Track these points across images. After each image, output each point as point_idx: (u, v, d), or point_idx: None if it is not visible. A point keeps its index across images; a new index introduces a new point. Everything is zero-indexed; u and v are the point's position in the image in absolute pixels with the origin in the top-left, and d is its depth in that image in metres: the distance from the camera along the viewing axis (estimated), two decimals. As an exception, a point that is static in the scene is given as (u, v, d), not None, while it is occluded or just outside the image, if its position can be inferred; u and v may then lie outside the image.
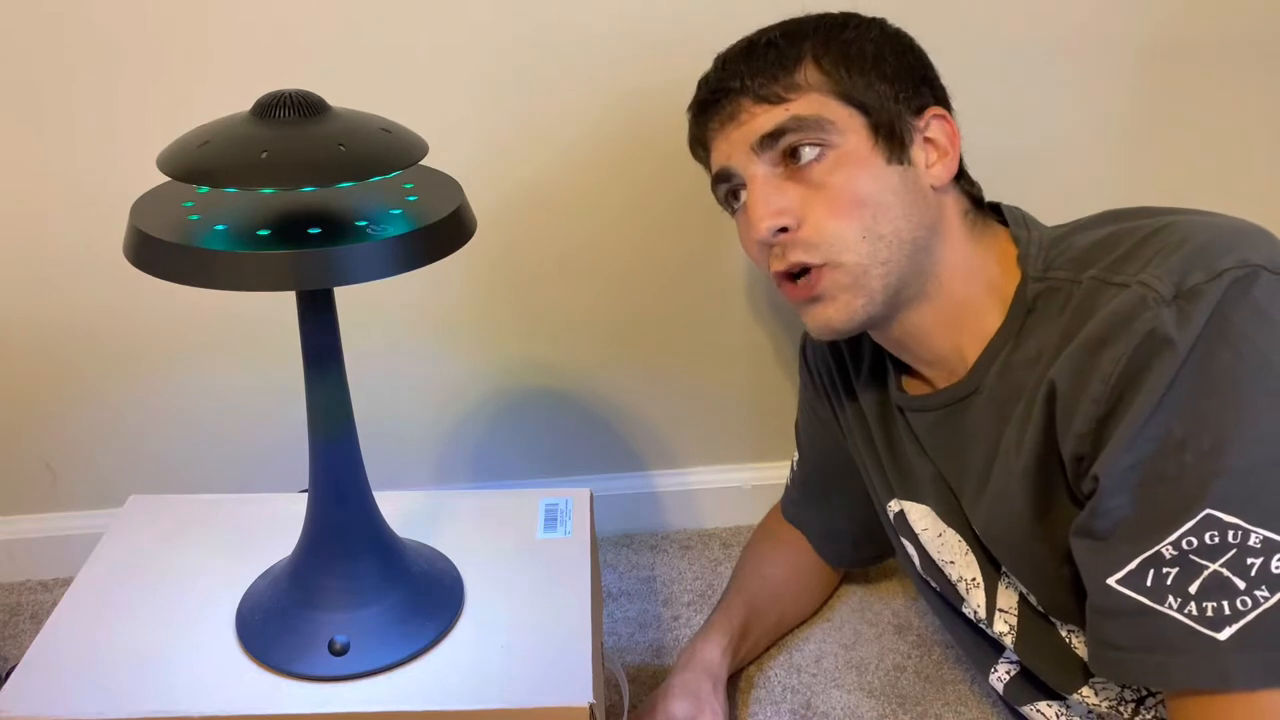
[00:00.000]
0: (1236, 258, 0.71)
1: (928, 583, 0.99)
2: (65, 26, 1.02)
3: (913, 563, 0.99)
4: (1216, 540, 0.68)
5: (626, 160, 1.13)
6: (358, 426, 0.77)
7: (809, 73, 0.83)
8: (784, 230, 0.82)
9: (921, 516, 0.95)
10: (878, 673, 1.09)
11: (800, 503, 1.15)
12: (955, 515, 0.91)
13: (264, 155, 0.62)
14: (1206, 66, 1.16)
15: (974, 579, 0.92)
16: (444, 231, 0.67)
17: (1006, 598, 0.90)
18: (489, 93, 1.09)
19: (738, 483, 1.32)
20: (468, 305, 1.19)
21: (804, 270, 0.83)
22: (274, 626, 0.78)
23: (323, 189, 0.68)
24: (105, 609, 0.81)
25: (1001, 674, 0.95)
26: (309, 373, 0.74)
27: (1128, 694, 0.83)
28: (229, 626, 0.79)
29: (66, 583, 0.85)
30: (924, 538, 0.96)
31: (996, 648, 0.95)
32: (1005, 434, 0.82)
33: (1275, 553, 0.67)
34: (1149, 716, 0.83)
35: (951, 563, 0.93)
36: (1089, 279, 0.77)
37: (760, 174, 0.83)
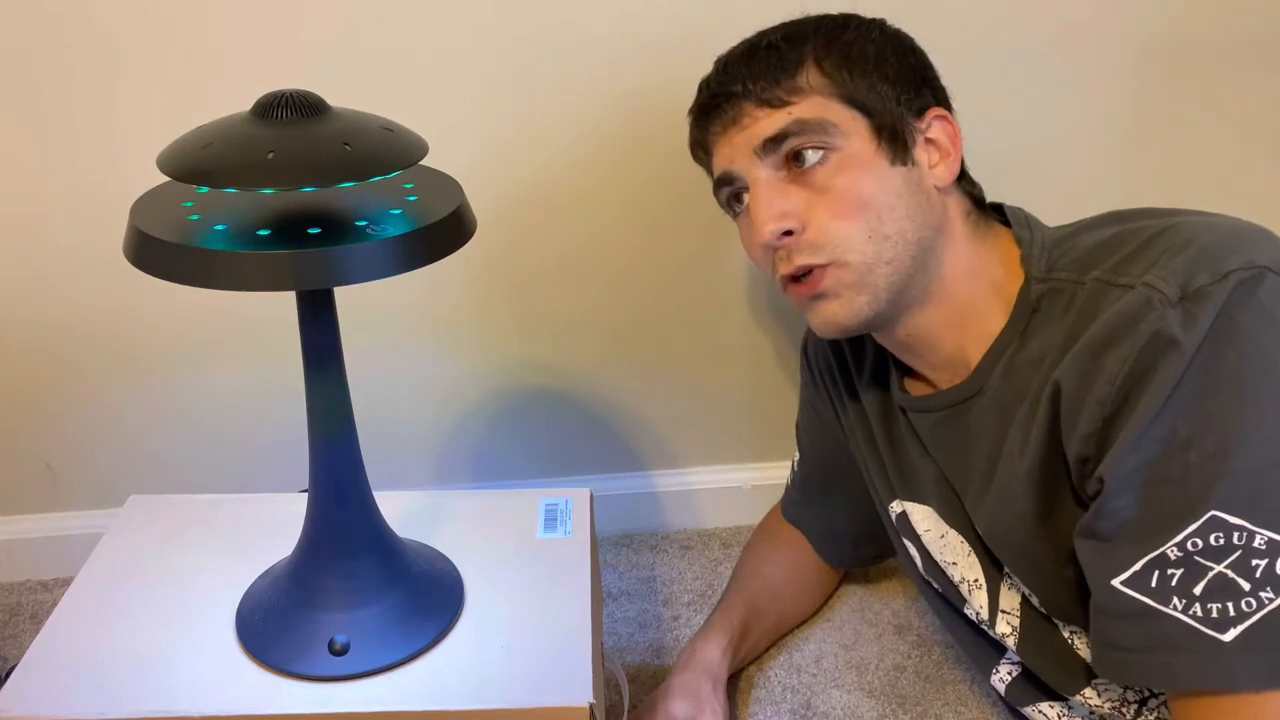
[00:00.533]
0: (1242, 259, 0.71)
1: (929, 584, 0.99)
2: (65, 26, 1.02)
3: (914, 564, 0.99)
4: (1221, 542, 0.68)
5: (626, 160, 1.13)
6: (358, 426, 0.77)
7: (811, 75, 0.83)
8: (788, 234, 0.82)
9: (924, 517, 0.95)
10: (878, 673, 1.09)
11: (800, 503, 1.15)
12: (958, 516, 0.91)
13: (270, 155, 0.62)
14: (1206, 66, 1.16)
15: (976, 580, 0.92)
16: (444, 231, 0.67)
17: (1009, 599, 0.90)
18: (489, 93, 1.09)
19: (738, 483, 1.32)
20: (468, 305, 1.19)
21: (808, 271, 0.82)
22: (274, 626, 0.78)
23: (323, 189, 0.68)
24: (105, 609, 0.81)
25: (1003, 675, 0.95)
26: (309, 373, 0.74)
27: (1130, 695, 0.83)
28: (229, 626, 0.79)
29: (66, 583, 0.85)
30: (926, 539, 0.96)
31: (998, 649, 0.95)
32: (1009, 435, 0.82)
33: None
34: (1151, 718, 0.83)
35: (954, 564, 0.93)
36: (1093, 280, 0.77)
37: (763, 178, 0.83)
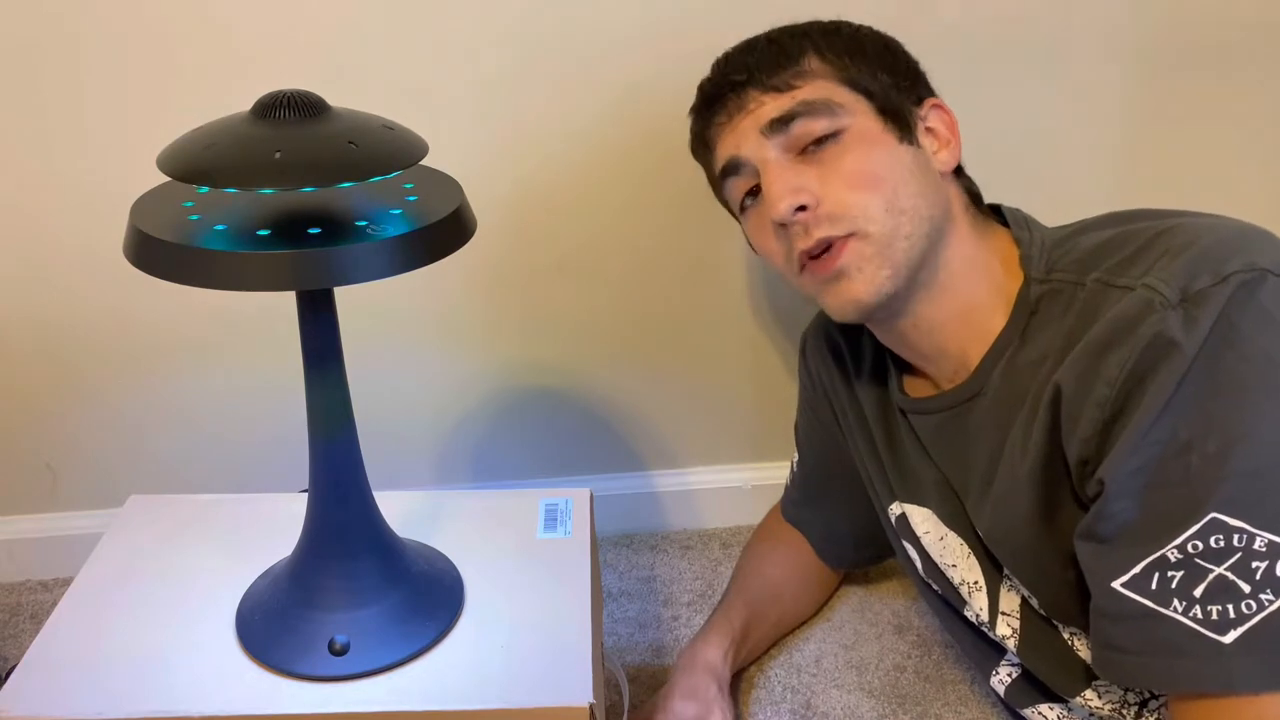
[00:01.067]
0: (1243, 261, 0.71)
1: (929, 585, 0.99)
2: (65, 26, 1.02)
3: (914, 565, 0.99)
4: (1222, 544, 0.68)
5: (626, 160, 1.13)
6: (358, 426, 0.77)
7: (813, 62, 0.84)
8: (803, 209, 0.81)
9: (923, 519, 0.95)
10: (878, 673, 1.09)
11: (800, 503, 1.15)
12: (958, 518, 0.91)
13: (278, 155, 0.62)
14: (1206, 66, 1.16)
15: (976, 582, 0.91)
16: (444, 231, 0.67)
17: (1009, 601, 0.90)
18: (489, 93, 1.09)
19: (738, 483, 1.32)
20: (467, 305, 1.19)
21: (827, 247, 0.82)
22: (274, 626, 0.78)
23: (323, 189, 0.68)
24: (105, 609, 0.81)
25: (1003, 676, 0.95)
26: (309, 373, 0.74)
27: (1131, 697, 0.83)
28: (229, 626, 0.79)
29: (66, 583, 0.85)
30: (926, 541, 0.96)
31: (998, 650, 0.95)
32: (1009, 437, 0.82)
33: None
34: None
35: (953, 566, 0.93)
36: (1093, 281, 0.77)
37: (773, 157, 0.83)
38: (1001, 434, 0.83)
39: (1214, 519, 0.68)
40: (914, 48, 0.89)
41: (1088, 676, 0.85)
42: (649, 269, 1.20)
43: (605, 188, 1.15)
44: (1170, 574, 0.69)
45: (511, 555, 0.87)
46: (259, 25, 1.04)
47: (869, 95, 0.84)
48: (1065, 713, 0.90)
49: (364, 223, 0.65)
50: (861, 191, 0.81)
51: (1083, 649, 0.85)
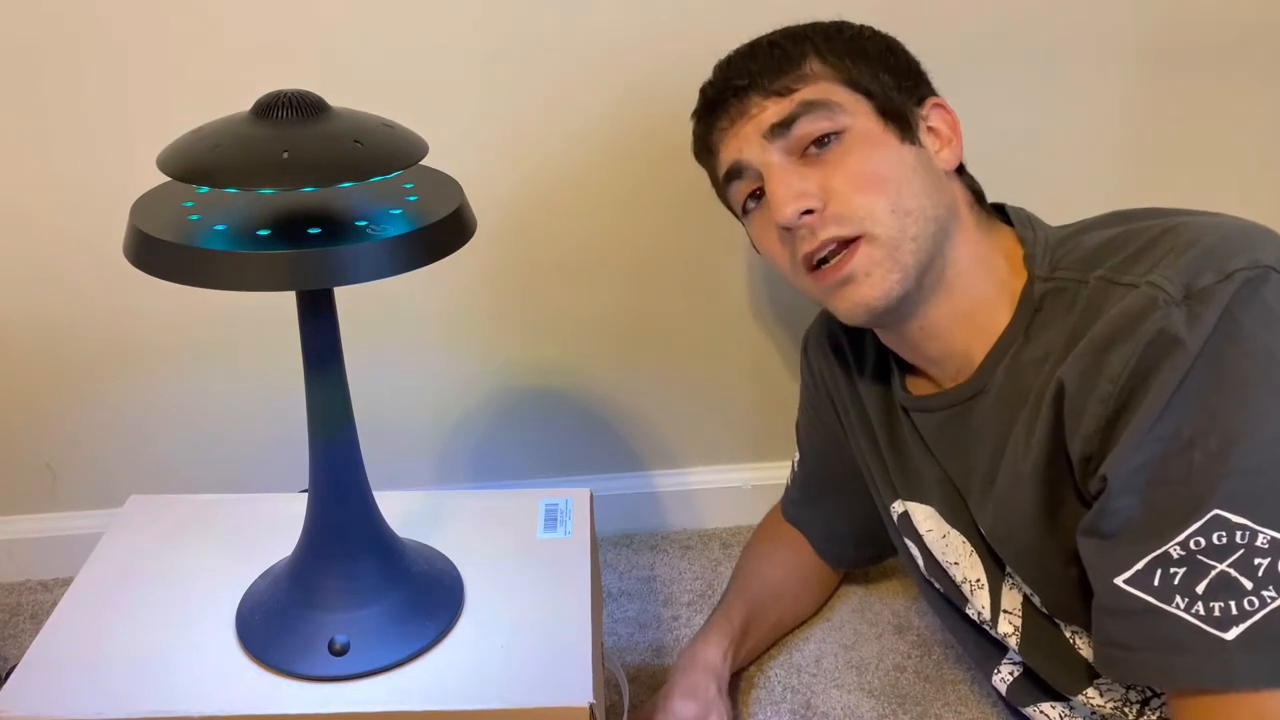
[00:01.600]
0: (1247, 259, 0.71)
1: (931, 584, 0.99)
2: (65, 26, 1.02)
3: (916, 564, 0.99)
4: (1224, 540, 0.68)
5: (627, 160, 1.13)
6: (358, 426, 0.77)
7: (814, 64, 0.84)
8: (809, 213, 0.81)
9: (926, 517, 0.95)
10: (878, 673, 1.09)
11: (801, 503, 1.15)
12: (960, 516, 0.91)
13: (286, 155, 0.62)
14: (1206, 66, 1.16)
15: (978, 580, 0.91)
16: (444, 231, 0.67)
17: (1011, 599, 0.90)
18: (489, 93, 1.09)
19: (738, 483, 1.32)
20: (467, 305, 1.19)
21: (832, 253, 0.82)
22: (274, 626, 0.78)
23: (323, 189, 0.68)
24: (105, 609, 0.81)
25: (1004, 675, 0.95)
26: (309, 373, 0.74)
27: (1132, 695, 0.83)
28: (229, 626, 0.79)
29: (66, 583, 0.85)
30: (928, 539, 0.96)
31: (1000, 649, 0.95)
32: (1013, 434, 0.82)
33: None
34: (1153, 718, 0.83)
35: (955, 564, 0.93)
36: (1096, 279, 0.77)
37: (776, 161, 0.83)
38: (1004, 431, 0.83)
39: (1216, 515, 0.68)
40: (914, 48, 0.89)
41: (1089, 675, 0.85)
42: (649, 269, 1.20)
43: (605, 187, 1.15)
44: (1172, 570, 0.69)
45: (511, 555, 0.87)
46: (259, 25, 1.04)
47: (869, 96, 0.84)
48: (1067, 711, 0.90)
49: (364, 223, 0.65)
50: (866, 193, 0.81)
51: (1084, 647, 0.85)
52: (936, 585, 0.98)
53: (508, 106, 1.10)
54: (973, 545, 0.91)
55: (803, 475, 1.14)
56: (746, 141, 0.85)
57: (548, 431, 1.27)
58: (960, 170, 0.88)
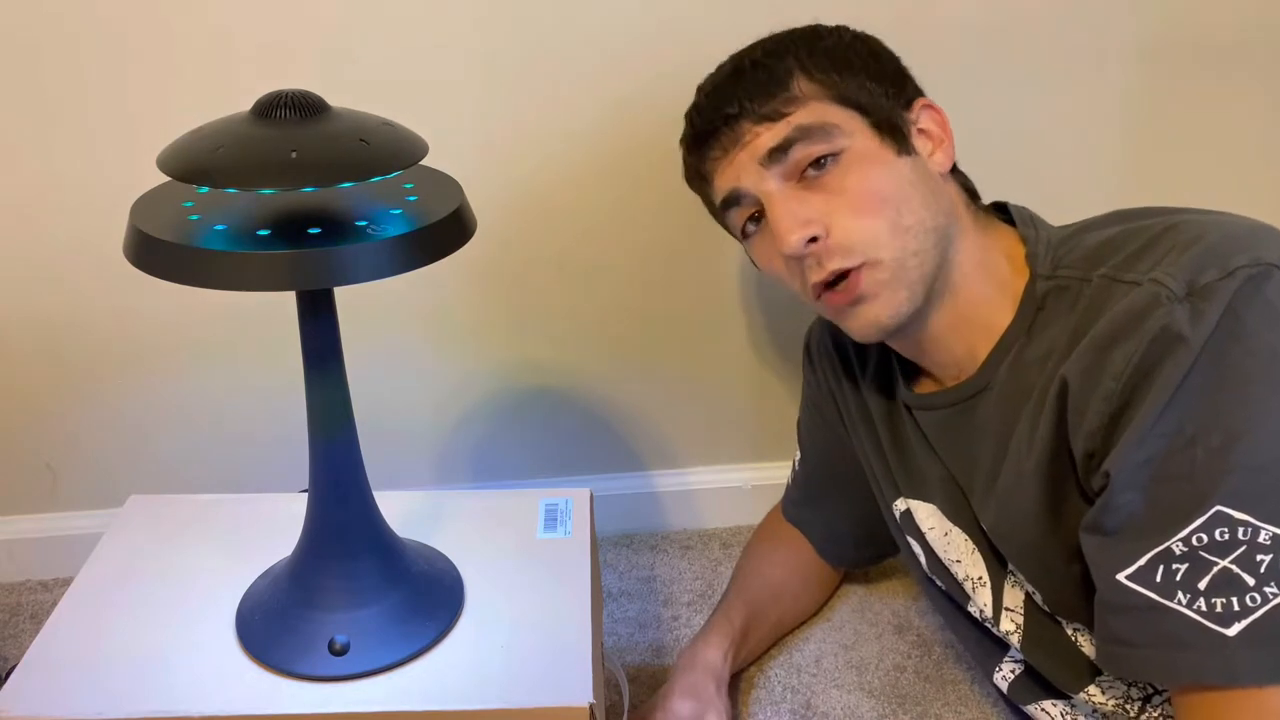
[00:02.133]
0: (1250, 256, 0.72)
1: (933, 581, 0.99)
2: (65, 27, 1.02)
3: (918, 562, 0.99)
4: (1226, 537, 0.68)
5: (626, 160, 1.13)
6: (358, 426, 0.77)
7: (802, 84, 0.83)
8: (813, 240, 0.81)
9: (928, 515, 0.95)
10: (878, 673, 1.09)
11: (801, 503, 1.15)
12: (963, 514, 0.91)
13: (294, 154, 0.62)
14: (1206, 66, 1.16)
15: (980, 578, 0.92)
16: (444, 231, 0.67)
17: (1013, 596, 0.90)
18: (489, 93, 1.09)
19: (738, 483, 1.32)
20: (468, 305, 1.19)
21: (841, 276, 0.82)
22: (274, 626, 0.78)
23: (323, 189, 0.68)
24: (105, 609, 0.81)
25: (1006, 673, 0.95)
26: (309, 373, 0.74)
27: (1134, 692, 0.83)
28: (229, 626, 0.79)
29: (66, 583, 0.85)
30: (930, 537, 0.96)
31: (1001, 647, 0.95)
32: (1016, 431, 0.82)
33: None
34: (1155, 715, 0.83)
35: (958, 561, 0.93)
36: (1099, 277, 0.77)
37: (776, 189, 0.83)
38: (1007, 429, 0.83)
39: (1218, 512, 0.68)
40: (913, 47, 0.89)
41: (1091, 672, 0.85)
42: (649, 269, 1.20)
43: (605, 187, 1.15)
44: (1175, 567, 0.69)
45: (511, 555, 0.87)
46: (259, 25, 1.04)
47: (862, 111, 0.83)
48: (1069, 709, 0.90)
49: (364, 223, 0.65)
50: (867, 217, 0.80)
51: (1086, 645, 0.85)
52: (938, 583, 0.98)
53: (508, 106, 1.10)
54: (975, 543, 0.91)
55: (804, 474, 1.14)
56: (742, 169, 0.84)
57: (547, 431, 1.27)
58: (953, 170, 0.88)
